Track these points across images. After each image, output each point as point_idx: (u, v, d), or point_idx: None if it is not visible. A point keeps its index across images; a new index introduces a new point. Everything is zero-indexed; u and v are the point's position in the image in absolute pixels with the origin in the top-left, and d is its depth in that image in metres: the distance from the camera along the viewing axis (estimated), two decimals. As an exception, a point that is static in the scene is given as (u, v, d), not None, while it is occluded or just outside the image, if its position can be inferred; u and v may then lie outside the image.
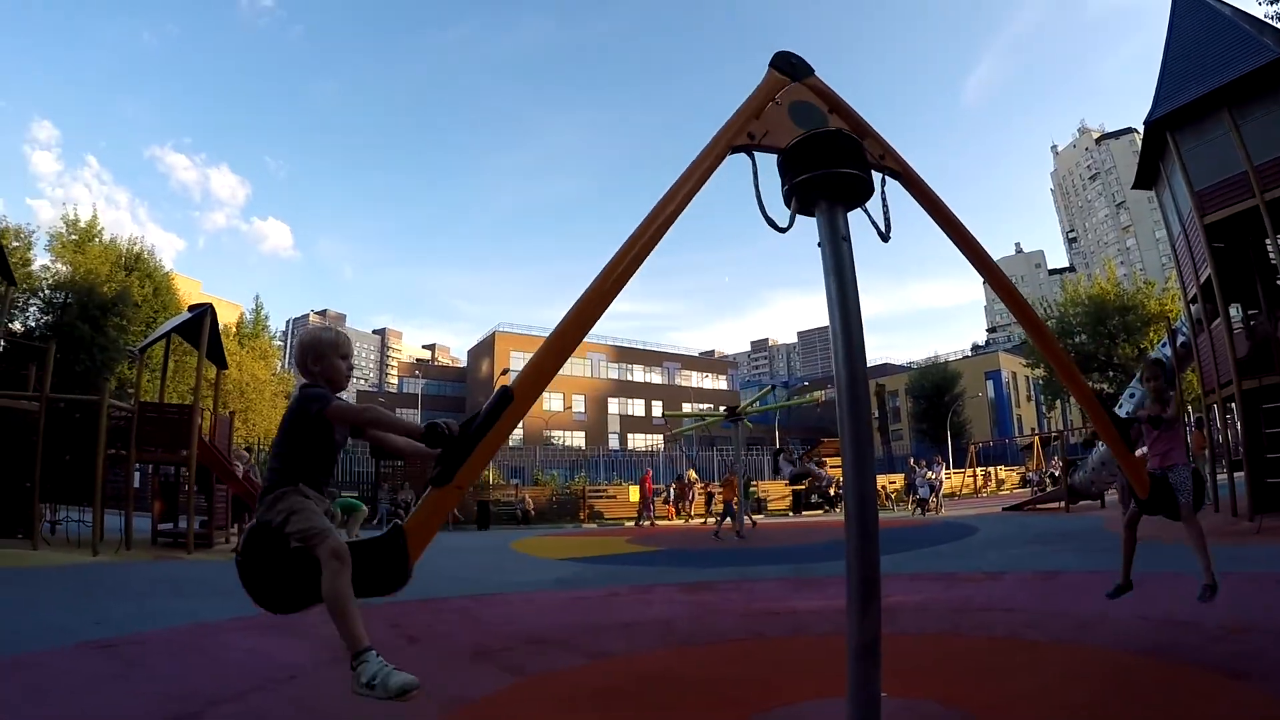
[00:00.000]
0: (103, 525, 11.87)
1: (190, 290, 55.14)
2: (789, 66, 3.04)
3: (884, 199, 2.93)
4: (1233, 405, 12.06)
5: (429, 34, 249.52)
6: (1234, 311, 13.41)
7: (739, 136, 2.89)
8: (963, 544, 11.74)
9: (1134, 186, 16.42)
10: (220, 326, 16.54)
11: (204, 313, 14.55)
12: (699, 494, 25.11)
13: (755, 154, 2.90)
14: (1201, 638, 4.33)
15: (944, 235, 3.18)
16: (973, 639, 4.96)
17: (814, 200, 2.77)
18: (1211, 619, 4.56)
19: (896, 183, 3.10)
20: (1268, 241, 12.08)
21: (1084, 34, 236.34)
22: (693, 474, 26.68)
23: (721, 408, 19.75)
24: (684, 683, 4.17)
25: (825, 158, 2.73)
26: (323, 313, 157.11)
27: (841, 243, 2.68)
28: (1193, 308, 13.97)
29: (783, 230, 2.81)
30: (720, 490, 19.81)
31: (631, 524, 23.04)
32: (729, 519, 16.47)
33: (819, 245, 2.73)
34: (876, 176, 2.91)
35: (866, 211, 2.89)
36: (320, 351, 2.54)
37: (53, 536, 13.34)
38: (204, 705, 3.58)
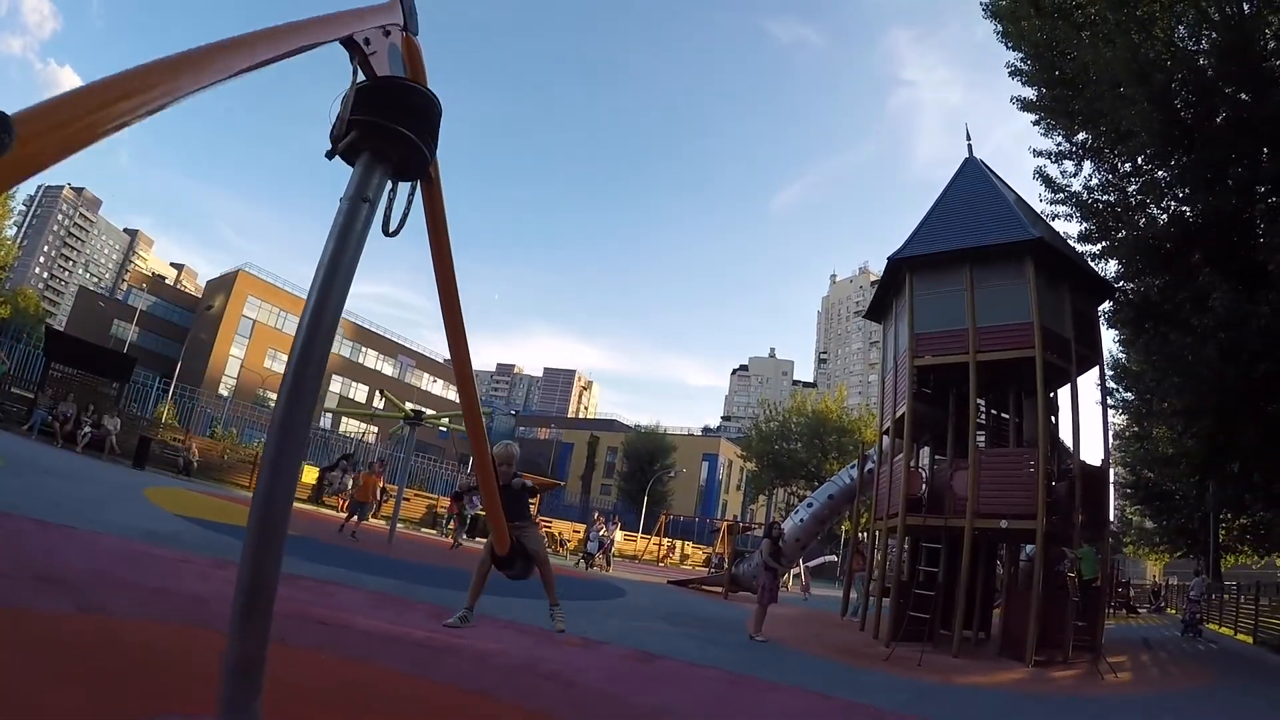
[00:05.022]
0: None
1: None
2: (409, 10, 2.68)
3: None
4: (893, 537, 12.97)
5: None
6: (925, 452, 14.59)
7: (356, 28, 2.35)
8: (598, 605, 11.27)
9: (865, 315, 17.43)
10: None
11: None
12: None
13: (358, 67, 2.41)
14: None
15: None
16: (463, 693, 4.53)
17: (358, 150, 2.39)
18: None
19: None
20: (977, 401, 12.74)
21: (900, 190, 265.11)
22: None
23: (413, 408, 18.66)
24: (134, 659, 3.66)
25: (387, 108, 2.37)
26: (79, 190, 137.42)
27: (361, 203, 2.34)
28: (885, 439, 14.74)
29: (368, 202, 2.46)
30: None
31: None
32: (354, 517, 15.63)
33: (340, 200, 2.35)
34: None
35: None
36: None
37: None
38: None
